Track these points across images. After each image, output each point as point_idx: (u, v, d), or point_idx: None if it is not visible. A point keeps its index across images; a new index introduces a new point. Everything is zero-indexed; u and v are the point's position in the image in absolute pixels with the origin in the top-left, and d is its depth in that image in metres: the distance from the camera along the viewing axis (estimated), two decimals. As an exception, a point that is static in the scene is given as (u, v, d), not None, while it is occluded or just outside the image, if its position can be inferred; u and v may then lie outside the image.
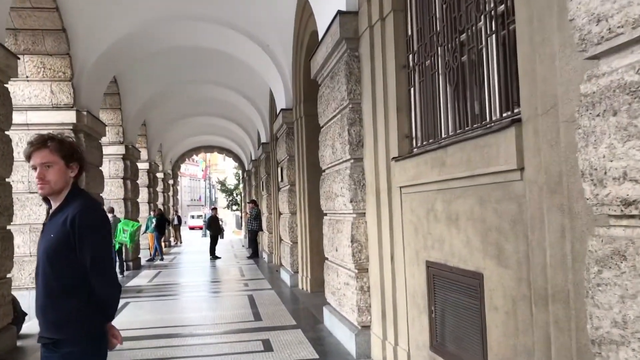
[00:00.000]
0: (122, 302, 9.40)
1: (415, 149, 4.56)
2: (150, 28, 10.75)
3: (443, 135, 4.03)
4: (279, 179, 11.79)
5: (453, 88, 3.84)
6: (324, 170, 6.93)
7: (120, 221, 13.55)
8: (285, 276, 11.33)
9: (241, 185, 38.56)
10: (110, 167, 14.83)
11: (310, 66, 7.21)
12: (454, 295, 3.73)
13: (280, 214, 12.10)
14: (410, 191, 4.47)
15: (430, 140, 4.27)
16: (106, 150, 14.55)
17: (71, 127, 9.90)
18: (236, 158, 31.25)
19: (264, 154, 16.01)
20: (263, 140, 16.07)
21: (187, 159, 31.80)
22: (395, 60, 4.76)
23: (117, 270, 13.63)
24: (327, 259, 6.97)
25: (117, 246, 13.50)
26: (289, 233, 10.65)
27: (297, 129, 10.22)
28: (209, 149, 30.91)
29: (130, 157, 15.29)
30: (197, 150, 30.81)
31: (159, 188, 24.43)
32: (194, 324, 7.51)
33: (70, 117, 9.84)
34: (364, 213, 5.55)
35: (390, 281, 4.92)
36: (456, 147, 3.53)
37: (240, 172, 35.41)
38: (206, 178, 78.96)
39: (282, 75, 10.81)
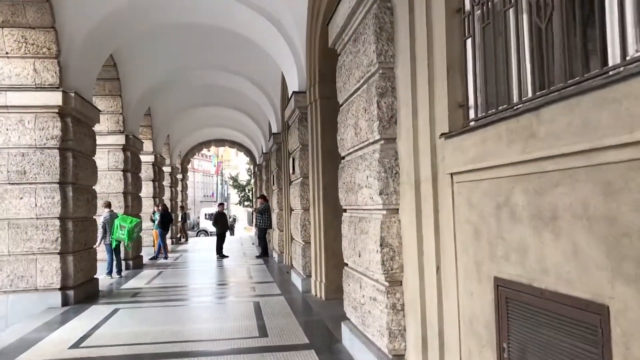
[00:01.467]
0: (111, 308, 8.29)
1: (473, 122, 3.33)
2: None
3: (522, 98, 2.79)
4: (290, 171, 10.59)
5: (545, 24, 2.59)
6: (343, 157, 5.73)
7: (118, 217, 12.44)
8: (296, 280, 10.14)
9: (252, 180, 37.46)
10: (109, 158, 13.73)
11: (328, 33, 5.99)
12: (545, 332, 2.49)
13: (291, 210, 10.91)
14: (469, 179, 3.24)
15: (500, 107, 3.03)
16: (105, 140, 13.53)
17: (56, 111, 8.79)
18: (247, 152, 30.12)
19: (275, 145, 14.82)
20: (274, 130, 14.88)
21: (197, 153, 30.74)
22: (446, 3, 3.52)
23: (114, 270, 12.54)
24: (346, 264, 5.76)
25: (114, 244, 12.39)
26: (301, 232, 9.45)
27: (311, 114, 9.00)
28: (220, 142, 29.80)
29: (131, 148, 14.17)
30: (207, 144, 29.71)
31: (166, 182, 23.35)
32: (189, 339, 6.33)
33: (55, 98, 8.73)
34: (397, 209, 4.32)
35: (435, 300, 3.69)
36: (558, 107, 2.29)
37: (251, 166, 34.28)
38: (219, 174, 78.27)
39: (295, 54, 9.63)
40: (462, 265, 3.38)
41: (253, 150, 27.89)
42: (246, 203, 55.33)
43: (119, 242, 12.48)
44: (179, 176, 28.22)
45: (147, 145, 18.58)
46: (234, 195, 63.22)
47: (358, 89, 4.91)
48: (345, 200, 5.56)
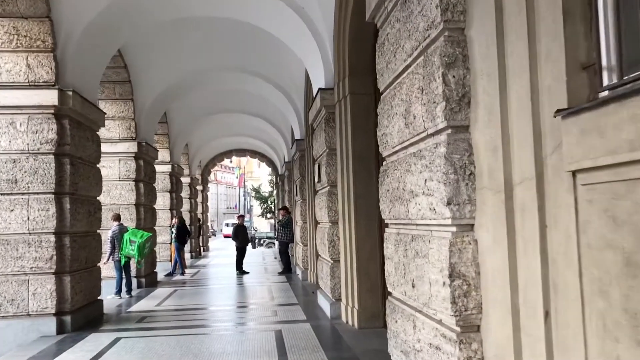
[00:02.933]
0: (111, 337, 7.17)
1: (610, 91, 2.11)
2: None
3: None
4: (316, 179, 9.41)
5: None
6: (385, 158, 4.54)
7: (128, 231, 11.40)
8: (323, 303, 8.92)
9: (274, 192, 36.46)
10: (120, 168, 12.74)
11: (366, 5, 4.82)
12: None
13: (317, 223, 9.73)
14: (610, 178, 2.02)
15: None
16: (115, 147, 12.58)
17: (52, 111, 7.77)
18: (269, 162, 29.11)
19: (298, 153, 13.69)
20: (297, 136, 13.76)
21: (217, 164, 29.79)
22: None
23: (124, 289, 11.47)
24: (390, 293, 4.54)
25: (123, 260, 11.34)
26: (329, 248, 8.24)
27: (340, 113, 7.85)
28: (241, 152, 28.85)
29: (144, 156, 13.17)
30: (227, 154, 28.78)
31: (185, 193, 22.38)
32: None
33: (50, 97, 7.72)
34: (472, 224, 3.10)
35: (543, 362, 2.45)
36: None
37: (273, 177, 33.24)
38: (241, 185, 77.60)
39: (321, 46, 8.50)
40: (595, 314, 2.14)
41: (275, 160, 26.85)
42: (269, 215, 54.47)
43: (129, 258, 11.43)
44: (199, 187, 27.28)
45: (164, 155, 17.65)
46: (257, 207, 62.39)
47: (410, 64, 3.71)
48: (389, 212, 4.35)
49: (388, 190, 4.34)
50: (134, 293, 11.86)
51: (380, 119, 4.54)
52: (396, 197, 4.13)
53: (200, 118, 18.41)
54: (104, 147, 12.57)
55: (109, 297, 11.42)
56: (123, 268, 11.48)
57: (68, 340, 7.27)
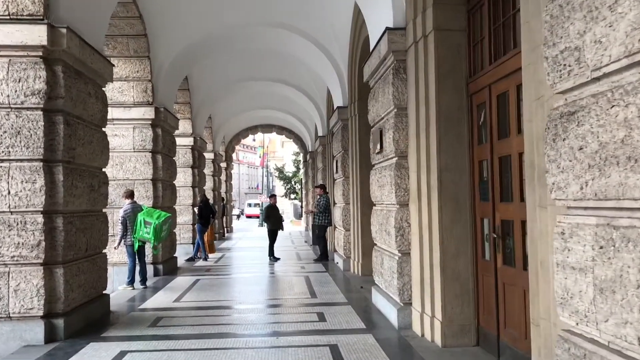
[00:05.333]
0: (114, 350, 5.42)
1: None
2: None
3: None
4: (373, 149, 7.45)
5: None
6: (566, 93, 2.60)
7: (142, 210, 9.64)
8: (385, 306, 7.05)
9: (302, 171, 34.59)
10: (135, 137, 10.96)
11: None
12: None
13: (372, 204, 7.81)
14: None
15: None
16: (129, 113, 10.84)
17: (40, 53, 5.96)
18: (297, 139, 27.23)
19: (340, 122, 11.75)
20: (339, 103, 11.81)
21: (242, 140, 27.96)
22: None
23: (137, 278, 9.76)
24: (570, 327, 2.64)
25: (136, 245, 9.60)
26: (397, 237, 6.31)
27: (415, 60, 5.88)
28: (267, 128, 26.97)
29: (162, 124, 11.37)
30: (253, 129, 26.92)
31: (208, 170, 20.63)
32: None
33: (37, 35, 5.96)
34: None
35: None
36: None
37: (302, 155, 31.35)
38: (264, 165, 75.93)
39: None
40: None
41: (304, 136, 24.96)
42: (292, 196, 52.79)
43: (144, 242, 9.69)
44: (223, 164, 25.52)
45: (185, 126, 15.88)
46: (279, 187, 60.73)
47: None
48: (582, 188, 2.43)
49: (581, 150, 2.41)
50: (149, 283, 10.15)
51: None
52: (607, 160, 2.21)
53: (226, 86, 16.52)
54: (116, 113, 10.91)
55: (120, 288, 9.75)
56: (137, 254, 9.76)
57: (59, 353, 5.54)
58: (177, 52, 11.26)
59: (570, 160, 2.49)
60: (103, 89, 7.69)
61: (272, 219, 14.08)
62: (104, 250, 7.74)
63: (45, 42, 5.88)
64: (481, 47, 5.34)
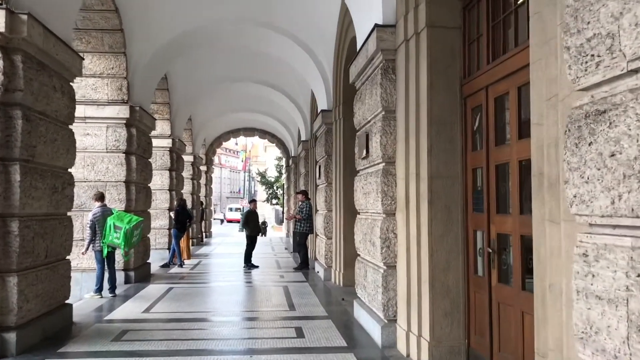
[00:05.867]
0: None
1: None
2: None
3: None
4: (358, 154, 7.03)
5: None
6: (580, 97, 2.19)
7: (113, 214, 9.10)
8: (367, 322, 6.62)
9: (284, 176, 34.11)
10: (108, 136, 10.42)
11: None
12: None
13: (357, 213, 7.39)
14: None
15: None
16: (102, 111, 10.31)
17: (-3, 41, 5.43)
18: (280, 144, 26.76)
19: (324, 126, 11.30)
20: (323, 106, 11.39)
21: (223, 143, 27.37)
22: None
23: (106, 286, 9.21)
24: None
25: (105, 251, 9.05)
26: (382, 249, 5.89)
27: (406, 57, 5.48)
28: (249, 131, 26.42)
29: (137, 124, 10.84)
30: (235, 132, 26.35)
31: (187, 173, 20.05)
32: None
33: (-6, 21, 5.37)
34: None
35: None
36: None
37: (284, 160, 30.90)
38: (246, 170, 75.18)
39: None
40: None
41: (287, 140, 24.50)
42: (274, 201, 52.24)
43: (114, 248, 9.14)
44: (203, 168, 24.94)
45: (164, 127, 15.37)
46: (261, 192, 60.09)
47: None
48: (612, 203, 2.02)
49: (613, 156, 2.00)
50: (119, 291, 9.60)
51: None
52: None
53: (207, 86, 16.00)
54: (89, 111, 10.38)
55: (87, 296, 9.19)
56: (106, 260, 9.21)
57: (8, 371, 5.01)
58: (156, 48, 10.75)
59: (599, 169, 2.08)
60: (71, 83, 7.18)
61: (251, 225, 13.58)
62: (68, 257, 7.20)
63: (2, 29, 5.37)
64: (477, 46, 4.96)
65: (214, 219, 70.56)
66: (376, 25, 5.91)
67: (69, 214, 7.21)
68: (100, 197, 9.30)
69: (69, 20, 7.08)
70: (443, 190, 5.09)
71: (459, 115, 5.14)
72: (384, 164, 5.98)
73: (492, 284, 4.55)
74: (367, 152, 6.49)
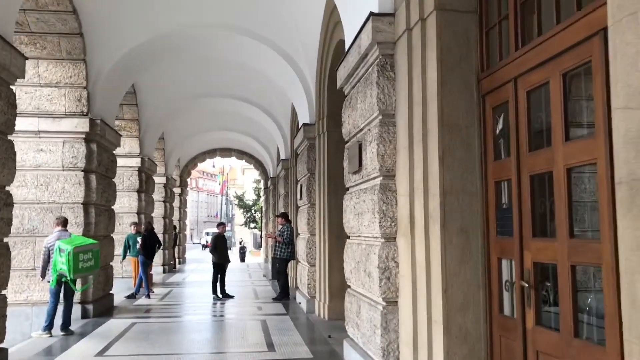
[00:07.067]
0: None
1: None
2: None
3: None
4: (348, 169, 6.04)
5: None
6: None
7: (65, 239, 7.95)
8: (355, 359, 5.59)
9: (262, 198, 32.98)
10: (65, 153, 9.34)
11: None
12: None
13: (347, 237, 6.37)
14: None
15: None
16: (59, 125, 9.34)
17: None
18: (257, 164, 25.75)
19: (306, 142, 10.30)
20: (305, 120, 10.44)
21: (198, 164, 26.25)
22: None
23: (59, 322, 8.04)
24: None
25: (53, 282, 7.89)
26: (381, 281, 4.86)
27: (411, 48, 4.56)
28: (226, 152, 25.37)
29: (98, 140, 9.76)
30: (211, 153, 25.27)
31: (159, 195, 18.88)
32: None
33: None
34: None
35: None
36: None
37: (262, 182, 29.87)
38: (223, 193, 73.73)
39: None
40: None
41: (265, 161, 23.49)
42: (252, 225, 51.00)
43: (66, 277, 7.97)
44: (177, 190, 23.73)
45: (132, 145, 14.29)
46: (239, 216, 58.79)
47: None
48: None
49: None
50: (75, 326, 8.42)
51: None
52: None
53: (180, 102, 14.96)
54: (43, 124, 9.31)
55: (34, 335, 7.99)
56: (63, 292, 8.06)
57: None
58: (120, 55, 9.73)
59: None
60: (12, 87, 6.12)
61: (219, 251, 12.35)
62: (4, 292, 6.04)
63: None
64: (499, 32, 4.05)
65: (195, 243, 68.86)
66: (371, 14, 4.98)
67: (6, 240, 6.07)
68: (63, 222, 8.24)
69: (9, 13, 6.04)
70: (459, 210, 4.12)
71: (477, 116, 4.20)
72: (381, 178, 5.00)
73: (526, 328, 3.57)
74: (360, 164, 5.51)
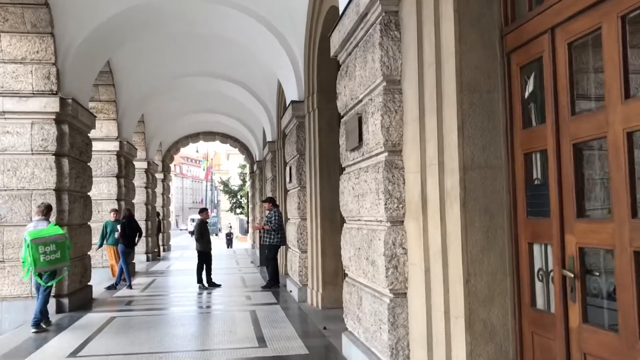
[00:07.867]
0: None
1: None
2: None
3: None
4: (346, 145, 5.42)
5: None
6: None
7: (35, 230, 7.27)
8: (357, 356, 5.03)
9: (248, 183, 32.30)
10: (34, 135, 8.62)
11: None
12: None
13: (344, 220, 5.78)
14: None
15: None
16: (26, 105, 8.62)
17: None
18: (243, 148, 25.03)
19: (295, 121, 9.59)
20: (293, 97, 9.76)
21: (181, 148, 25.42)
22: None
23: (35, 317, 7.41)
24: None
25: (26, 275, 7.23)
26: (387, 270, 4.28)
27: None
28: (209, 135, 24.60)
29: (70, 120, 9.03)
30: (194, 137, 24.47)
31: (140, 181, 18.12)
32: None
33: None
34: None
35: None
36: None
37: (248, 166, 29.17)
38: (208, 179, 72.80)
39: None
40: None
41: (251, 145, 22.78)
42: (238, 210, 50.39)
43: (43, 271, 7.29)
44: (159, 175, 22.94)
45: (110, 128, 13.51)
46: (225, 202, 58.09)
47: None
48: None
49: None
50: (53, 323, 7.81)
51: None
52: None
53: (160, 82, 14.16)
54: (8, 104, 8.56)
55: (32, 332, 7.37)
56: (38, 288, 7.42)
57: None
58: (92, 28, 8.96)
59: None
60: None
61: (204, 239, 11.70)
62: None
63: None
64: (528, -24, 3.43)
65: (181, 230, 67.91)
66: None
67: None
68: (43, 210, 7.54)
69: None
70: (481, 187, 3.53)
71: (501, 78, 3.60)
72: (386, 153, 4.39)
73: (570, 325, 3.01)
74: (361, 140, 4.89)
